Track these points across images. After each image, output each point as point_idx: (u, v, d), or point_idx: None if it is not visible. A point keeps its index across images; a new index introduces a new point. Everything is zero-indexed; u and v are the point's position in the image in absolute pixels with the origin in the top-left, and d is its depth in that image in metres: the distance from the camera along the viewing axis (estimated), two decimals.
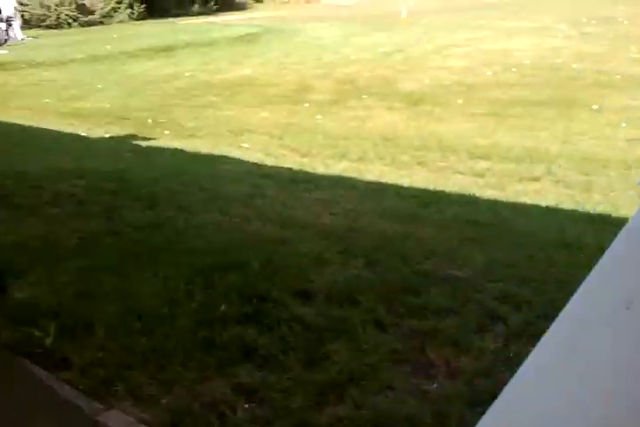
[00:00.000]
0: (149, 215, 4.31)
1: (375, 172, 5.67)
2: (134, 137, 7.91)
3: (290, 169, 5.89)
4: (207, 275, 3.28)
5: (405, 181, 5.25)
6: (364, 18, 24.08)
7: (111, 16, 32.03)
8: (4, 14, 24.69)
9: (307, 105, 9.91)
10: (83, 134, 8.24)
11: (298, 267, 3.34)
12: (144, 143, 7.50)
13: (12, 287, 3.31)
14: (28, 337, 2.85)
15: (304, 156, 6.60)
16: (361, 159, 6.24)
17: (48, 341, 2.81)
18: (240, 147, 7.23)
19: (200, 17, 32.32)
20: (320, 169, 5.83)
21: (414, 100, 9.41)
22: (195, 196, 4.76)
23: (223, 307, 2.98)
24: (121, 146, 7.27)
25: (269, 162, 6.35)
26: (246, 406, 2.38)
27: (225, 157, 6.50)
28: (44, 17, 30.76)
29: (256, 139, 7.69)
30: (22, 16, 28.73)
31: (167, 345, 2.73)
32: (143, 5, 32.89)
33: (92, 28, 29.79)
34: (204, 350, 2.70)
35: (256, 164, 6.22)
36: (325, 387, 2.44)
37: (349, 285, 3.12)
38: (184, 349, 2.70)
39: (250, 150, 7.04)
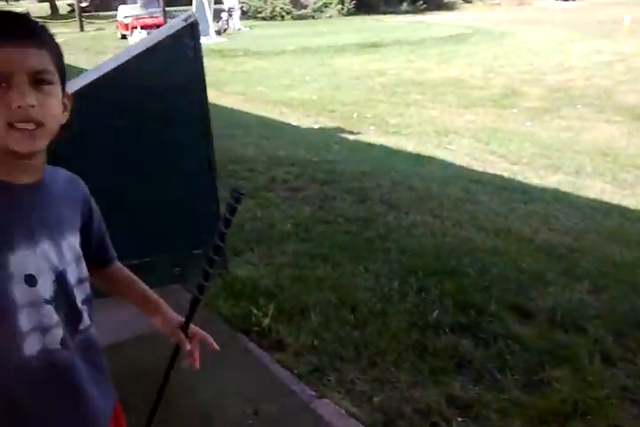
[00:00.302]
0: (360, 209, 4.34)
1: (595, 188, 5.29)
2: (341, 130, 8.06)
3: (500, 176, 5.67)
4: (420, 277, 3.22)
5: (631, 203, 4.84)
6: (580, 23, 22.76)
7: (322, 11, 33.14)
8: (227, 5, 26.45)
9: (515, 111, 9.53)
10: (293, 123, 8.56)
11: (516, 282, 3.18)
12: (350, 137, 7.62)
13: (231, 264, 3.48)
14: (246, 314, 2.97)
15: (514, 164, 6.33)
16: (577, 173, 5.85)
17: (265, 321, 2.90)
18: (445, 148, 7.10)
19: (407, 15, 32.47)
20: (533, 180, 5.55)
21: (637, 115, 8.69)
22: (404, 194, 4.73)
23: (437, 313, 2.91)
24: (329, 137, 7.44)
25: (477, 167, 6.16)
26: (460, 419, 2.29)
27: (431, 157, 6.41)
28: (261, 9, 32.56)
29: (461, 141, 7.51)
30: (241, 8, 30.50)
31: (379, 343, 2.71)
32: (353, 2, 33.65)
33: (303, 21, 31.02)
34: (416, 353, 2.65)
35: (464, 167, 6.07)
36: (546, 414, 2.29)
37: (574, 310, 2.91)
38: (396, 349, 2.67)
39: (455, 153, 6.89)
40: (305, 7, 33.06)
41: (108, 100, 3.03)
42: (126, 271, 1.40)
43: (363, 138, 7.53)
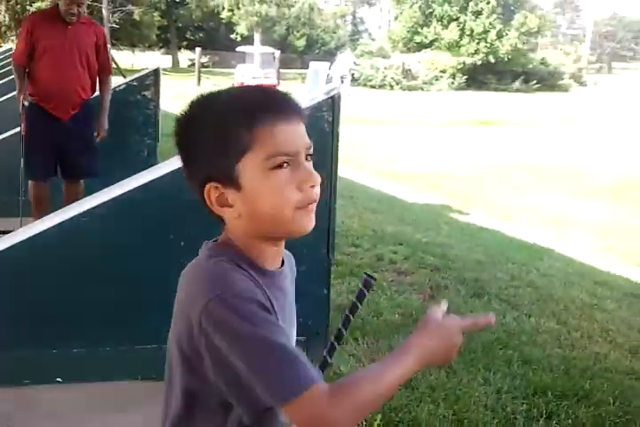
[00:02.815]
0: (476, 304, 3.98)
1: None
2: (448, 208, 7.76)
3: (627, 279, 5.18)
4: (550, 399, 2.82)
5: None
6: None
7: (432, 83, 33.44)
8: (339, 73, 27.09)
9: (638, 203, 8.94)
10: (398, 197, 8.34)
11: None
12: (460, 217, 7.30)
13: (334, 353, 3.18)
14: None
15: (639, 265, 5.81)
16: None
17: None
18: (562, 240, 6.64)
19: (519, 93, 32.31)
20: None
21: None
22: (524, 292, 4.33)
23: None
24: (437, 216, 7.15)
25: (598, 265, 5.68)
26: None
27: (550, 250, 5.97)
28: (371, 77, 33.19)
29: (578, 234, 7.04)
30: (352, 75, 31.22)
31: None
32: (465, 77, 33.86)
33: (412, 92, 31.32)
34: None
35: (584, 265, 5.61)
36: None
37: None
38: None
39: (573, 247, 6.43)
40: (415, 78, 33.47)
41: None
42: None
43: (472, 220, 7.19)
